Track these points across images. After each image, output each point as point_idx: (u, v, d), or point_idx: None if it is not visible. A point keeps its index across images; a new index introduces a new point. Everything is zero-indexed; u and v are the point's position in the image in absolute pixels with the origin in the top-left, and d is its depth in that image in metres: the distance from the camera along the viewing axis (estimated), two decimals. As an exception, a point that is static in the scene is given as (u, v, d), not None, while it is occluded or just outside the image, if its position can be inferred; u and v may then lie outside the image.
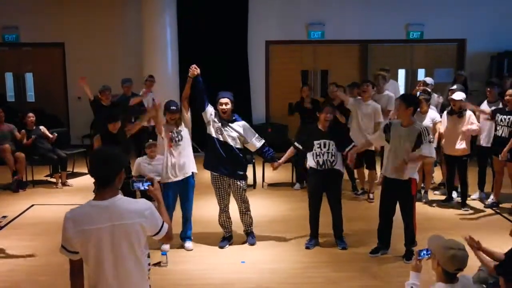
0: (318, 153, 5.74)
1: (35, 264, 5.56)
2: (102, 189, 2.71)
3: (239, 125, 5.78)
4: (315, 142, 5.75)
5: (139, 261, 2.78)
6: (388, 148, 5.54)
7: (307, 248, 5.94)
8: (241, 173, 5.85)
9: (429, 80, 8.83)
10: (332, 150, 5.71)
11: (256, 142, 5.82)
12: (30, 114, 8.97)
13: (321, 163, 5.74)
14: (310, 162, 5.86)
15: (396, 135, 5.38)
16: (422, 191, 7.82)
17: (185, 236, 6.00)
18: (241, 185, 5.85)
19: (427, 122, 7.38)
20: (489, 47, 11.80)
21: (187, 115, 5.80)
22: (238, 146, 5.76)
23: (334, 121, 6.02)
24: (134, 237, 2.71)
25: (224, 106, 5.65)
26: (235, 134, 5.74)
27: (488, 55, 11.88)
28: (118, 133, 6.22)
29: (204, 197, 7.37)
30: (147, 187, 2.98)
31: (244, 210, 5.99)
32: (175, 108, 5.72)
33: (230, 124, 5.73)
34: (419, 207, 7.42)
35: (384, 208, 5.65)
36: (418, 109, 7.44)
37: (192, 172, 5.88)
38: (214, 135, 5.73)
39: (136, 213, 2.71)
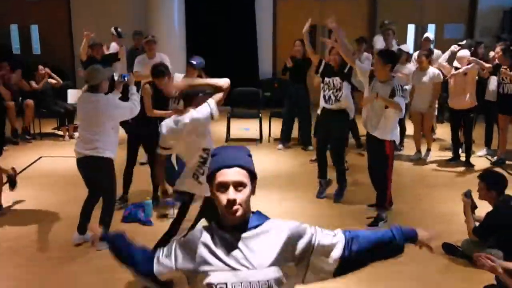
0: (325, 88, 6.01)
1: (46, 213, 5.70)
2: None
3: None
4: (326, 78, 6.02)
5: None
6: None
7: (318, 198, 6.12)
8: None
9: (430, 36, 8.70)
10: (338, 85, 5.90)
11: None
12: (41, 67, 9.16)
13: (327, 97, 5.96)
14: (321, 101, 6.10)
15: (374, 91, 5.34)
16: (424, 150, 7.77)
17: None
18: None
19: (426, 79, 7.32)
20: (502, 1, 11.50)
21: None
22: None
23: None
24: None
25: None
26: None
27: (500, 9, 11.58)
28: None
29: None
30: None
31: None
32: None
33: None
34: (423, 165, 7.49)
35: (368, 163, 5.67)
36: (417, 66, 7.44)
37: None
38: None
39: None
